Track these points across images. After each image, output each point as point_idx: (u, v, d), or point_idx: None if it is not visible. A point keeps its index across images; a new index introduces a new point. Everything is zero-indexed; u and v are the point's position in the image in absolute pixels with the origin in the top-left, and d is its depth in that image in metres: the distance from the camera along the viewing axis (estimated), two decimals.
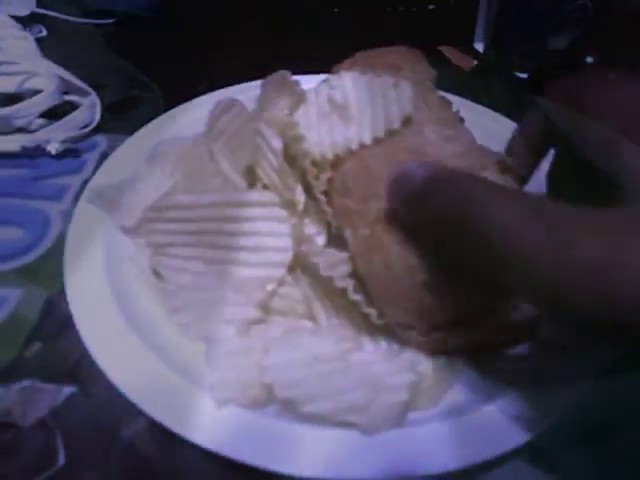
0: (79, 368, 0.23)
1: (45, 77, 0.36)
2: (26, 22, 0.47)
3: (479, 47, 0.48)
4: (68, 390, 0.23)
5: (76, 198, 0.32)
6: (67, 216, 0.31)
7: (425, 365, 0.22)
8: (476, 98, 0.38)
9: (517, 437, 0.20)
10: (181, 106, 0.36)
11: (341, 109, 0.25)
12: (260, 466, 0.19)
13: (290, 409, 0.20)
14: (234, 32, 0.50)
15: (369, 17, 0.52)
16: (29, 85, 0.37)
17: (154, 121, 0.34)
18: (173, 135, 0.32)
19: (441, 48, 0.48)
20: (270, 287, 0.23)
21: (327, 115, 0.25)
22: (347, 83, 0.25)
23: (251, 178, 0.28)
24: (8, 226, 0.30)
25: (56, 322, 0.25)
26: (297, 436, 0.20)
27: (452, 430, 0.20)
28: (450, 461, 0.19)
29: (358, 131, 0.24)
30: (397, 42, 0.48)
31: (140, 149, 0.31)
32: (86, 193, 0.29)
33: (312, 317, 0.23)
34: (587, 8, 0.43)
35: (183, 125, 0.33)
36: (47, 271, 0.28)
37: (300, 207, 0.25)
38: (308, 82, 0.36)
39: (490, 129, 0.34)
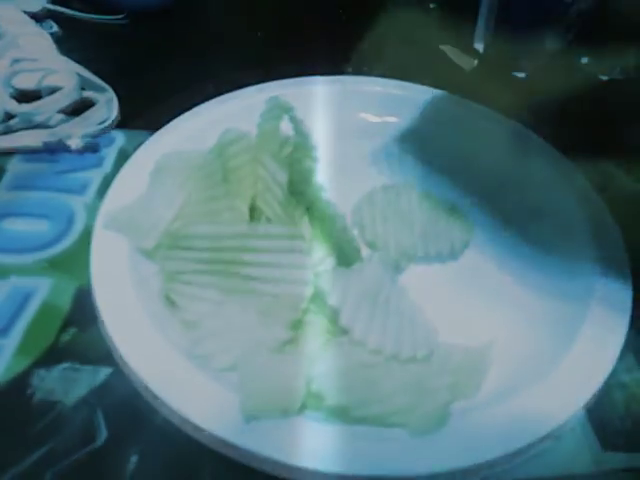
0: (114, 351, 0.24)
1: (64, 74, 0.38)
2: (38, 17, 0.48)
3: (479, 47, 0.49)
4: (106, 371, 0.24)
5: (98, 192, 0.33)
6: (91, 209, 0.32)
7: (459, 357, 0.24)
8: (476, 97, 0.40)
9: (561, 414, 0.22)
10: (176, 120, 0.36)
11: None
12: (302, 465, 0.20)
13: (340, 414, 0.21)
14: (246, 30, 0.51)
15: (370, 16, 0.53)
16: (48, 82, 0.38)
17: (153, 136, 0.34)
18: (173, 149, 0.32)
19: (443, 48, 0.50)
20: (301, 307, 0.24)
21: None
22: None
23: (253, 212, 0.28)
24: (34, 218, 0.32)
25: (88, 309, 0.26)
26: (343, 436, 0.21)
27: (496, 416, 0.22)
28: (498, 448, 0.21)
29: None
30: (400, 41, 0.50)
31: (145, 166, 0.31)
32: (101, 218, 0.28)
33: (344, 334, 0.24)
34: (584, 11, 0.45)
35: (183, 140, 0.33)
36: (76, 262, 0.29)
37: (307, 239, 0.26)
38: (312, 84, 0.38)
39: (487, 128, 0.37)
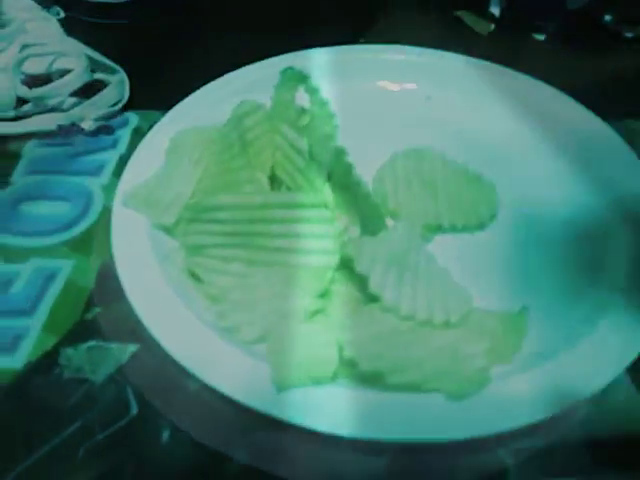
0: (139, 327, 0.24)
1: (73, 57, 0.37)
2: (44, 3, 0.47)
3: (495, 11, 0.48)
4: (132, 347, 0.24)
5: (114, 173, 0.33)
6: (108, 190, 0.32)
7: (494, 322, 0.23)
8: (496, 62, 0.39)
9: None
10: (189, 97, 0.35)
11: None
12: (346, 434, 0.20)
13: (375, 381, 0.21)
14: (254, 6, 0.49)
15: None
16: (58, 65, 0.37)
17: (167, 115, 0.33)
18: (188, 125, 0.31)
19: (459, 13, 0.48)
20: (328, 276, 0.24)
21: None
22: None
23: (273, 182, 0.28)
24: (53, 200, 0.31)
25: (112, 287, 0.26)
26: (378, 402, 0.20)
27: (535, 380, 0.21)
28: (538, 412, 0.20)
29: None
30: (414, 8, 0.48)
31: (160, 143, 0.31)
32: (119, 196, 0.28)
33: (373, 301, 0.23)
34: None
35: (198, 116, 0.33)
36: (97, 241, 0.29)
37: (331, 207, 0.25)
38: (327, 54, 0.37)
39: (514, 91, 0.36)
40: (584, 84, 0.38)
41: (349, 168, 0.25)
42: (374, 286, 0.22)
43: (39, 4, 0.45)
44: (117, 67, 0.39)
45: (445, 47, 0.39)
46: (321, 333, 0.22)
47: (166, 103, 0.36)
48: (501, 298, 0.25)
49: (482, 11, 0.48)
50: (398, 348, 0.21)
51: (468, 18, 0.48)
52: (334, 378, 0.21)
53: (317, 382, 0.21)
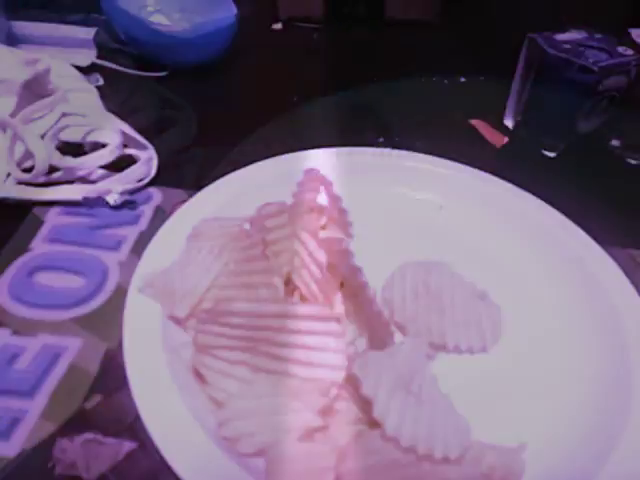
0: (138, 423, 0.24)
1: (109, 131, 0.39)
2: (85, 71, 0.50)
3: (509, 124, 0.50)
4: (128, 446, 0.24)
5: (133, 250, 0.34)
6: (124, 267, 0.33)
7: (492, 458, 0.23)
8: (506, 174, 0.41)
9: None
10: (214, 184, 0.36)
11: None
12: None
13: None
14: (283, 94, 0.52)
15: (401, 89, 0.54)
16: (93, 137, 0.39)
17: (190, 200, 0.35)
18: (211, 214, 0.33)
19: (474, 122, 0.51)
20: (332, 393, 0.24)
21: None
22: None
23: (287, 285, 0.29)
24: (67, 274, 0.32)
25: (115, 375, 0.26)
26: None
27: None
28: None
29: None
30: (430, 114, 0.51)
31: (181, 230, 0.32)
32: (136, 281, 0.29)
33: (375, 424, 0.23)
34: (615, 98, 0.46)
35: (220, 204, 0.34)
36: (106, 322, 0.29)
37: (341, 319, 0.26)
38: (353, 155, 0.39)
39: (513, 205, 0.37)
40: (588, 207, 0.39)
41: (363, 286, 0.26)
42: (377, 413, 0.22)
43: (81, 71, 0.47)
44: (148, 144, 0.40)
45: (458, 155, 0.41)
46: (320, 456, 0.22)
47: (191, 182, 0.38)
48: (500, 429, 0.25)
49: (497, 122, 0.50)
50: None
51: (483, 128, 0.50)
52: None
53: None
